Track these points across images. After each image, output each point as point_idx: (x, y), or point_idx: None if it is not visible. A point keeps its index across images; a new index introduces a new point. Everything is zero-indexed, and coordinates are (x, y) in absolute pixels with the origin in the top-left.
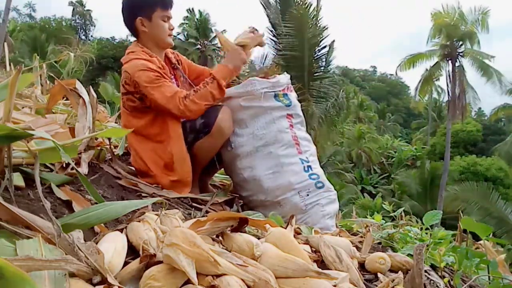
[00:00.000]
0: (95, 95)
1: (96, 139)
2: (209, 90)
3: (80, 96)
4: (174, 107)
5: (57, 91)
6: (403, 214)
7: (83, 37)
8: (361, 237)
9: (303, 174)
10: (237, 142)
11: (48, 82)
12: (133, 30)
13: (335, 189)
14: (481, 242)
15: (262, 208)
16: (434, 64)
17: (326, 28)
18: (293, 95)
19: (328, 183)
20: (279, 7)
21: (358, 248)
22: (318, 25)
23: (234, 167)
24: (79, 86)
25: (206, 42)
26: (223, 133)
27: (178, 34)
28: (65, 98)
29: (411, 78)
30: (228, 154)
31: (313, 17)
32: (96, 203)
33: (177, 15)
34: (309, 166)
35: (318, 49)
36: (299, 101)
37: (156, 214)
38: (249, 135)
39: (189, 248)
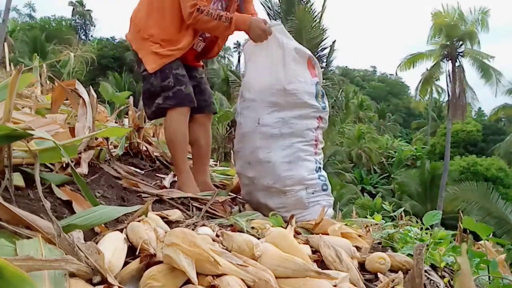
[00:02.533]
0: (95, 95)
1: (96, 139)
2: (221, 23)
3: (80, 96)
4: (188, 10)
5: (58, 95)
6: (403, 214)
7: (83, 37)
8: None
9: (315, 173)
10: (264, 120)
11: (48, 82)
12: None
13: (335, 189)
14: (481, 242)
15: (265, 194)
16: (434, 64)
17: (326, 30)
18: (327, 101)
19: (330, 188)
20: (283, 7)
21: (358, 248)
22: (320, 27)
23: (250, 143)
24: (79, 86)
25: None
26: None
27: None
28: (65, 98)
29: (411, 78)
30: (249, 128)
31: (314, 18)
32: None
33: None
34: (319, 168)
35: (319, 50)
36: None
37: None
38: (280, 119)
39: (189, 248)
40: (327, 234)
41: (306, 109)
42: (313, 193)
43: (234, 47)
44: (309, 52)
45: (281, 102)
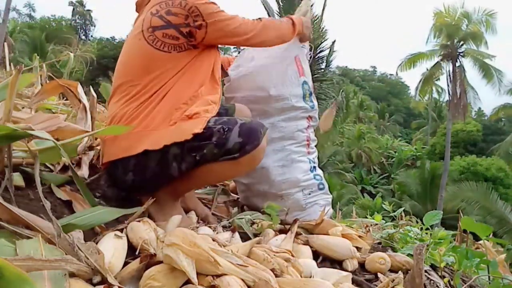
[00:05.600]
0: (95, 95)
1: (96, 139)
2: (283, 24)
3: (80, 101)
4: (244, 25)
5: (50, 88)
6: (403, 214)
7: (83, 37)
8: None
9: (310, 173)
10: None
11: (48, 82)
12: None
13: (335, 189)
14: (481, 242)
15: (262, 199)
16: (435, 64)
17: (327, 31)
18: (315, 99)
19: (327, 187)
20: (284, 8)
21: (358, 248)
22: (320, 28)
23: None
24: (80, 90)
25: None
26: (253, 165)
27: None
28: (64, 98)
29: (411, 78)
30: None
31: (315, 20)
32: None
33: None
34: (314, 167)
35: (318, 51)
36: None
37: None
38: (269, 124)
39: (189, 248)
40: (328, 235)
41: (295, 112)
42: (309, 194)
43: (234, 47)
44: (296, 51)
45: (268, 109)
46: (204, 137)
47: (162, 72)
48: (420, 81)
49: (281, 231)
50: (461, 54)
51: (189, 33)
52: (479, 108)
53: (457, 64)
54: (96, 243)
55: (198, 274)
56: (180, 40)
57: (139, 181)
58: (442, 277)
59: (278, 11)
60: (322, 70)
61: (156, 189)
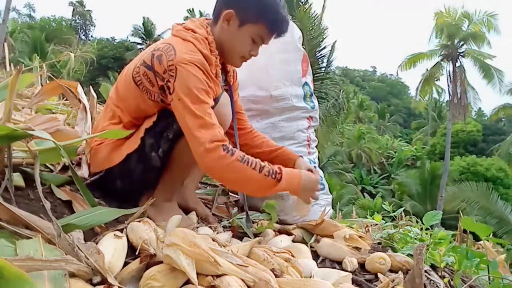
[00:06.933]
0: (95, 95)
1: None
2: (262, 177)
3: (80, 101)
4: (204, 147)
5: (50, 88)
6: (403, 214)
7: (83, 37)
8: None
9: None
10: (253, 126)
11: (48, 82)
12: (216, 14)
13: (335, 189)
14: (481, 242)
15: (262, 199)
16: (435, 64)
17: (326, 29)
18: (315, 99)
19: (327, 187)
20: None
21: (358, 249)
22: (321, 27)
23: None
24: (80, 90)
25: None
26: (220, 120)
27: None
28: (64, 99)
29: (411, 78)
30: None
31: (314, 20)
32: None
33: (177, 15)
34: (314, 167)
35: (319, 50)
36: None
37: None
38: (269, 124)
39: (189, 248)
40: (330, 236)
41: (295, 112)
42: None
43: None
44: (303, 49)
45: (268, 109)
46: (168, 112)
47: (130, 104)
48: (420, 81)
49: (281, 231)
50: (461, 54)
51: (161, 87)
52: (479, 108)
53: (457, 64)
54: (96, 243)
55: (198, 274)
56: (154, 87)
57: (129, 185)
58: (442, 277)
59: None
60: (323, 69)
61: (148, 188)
